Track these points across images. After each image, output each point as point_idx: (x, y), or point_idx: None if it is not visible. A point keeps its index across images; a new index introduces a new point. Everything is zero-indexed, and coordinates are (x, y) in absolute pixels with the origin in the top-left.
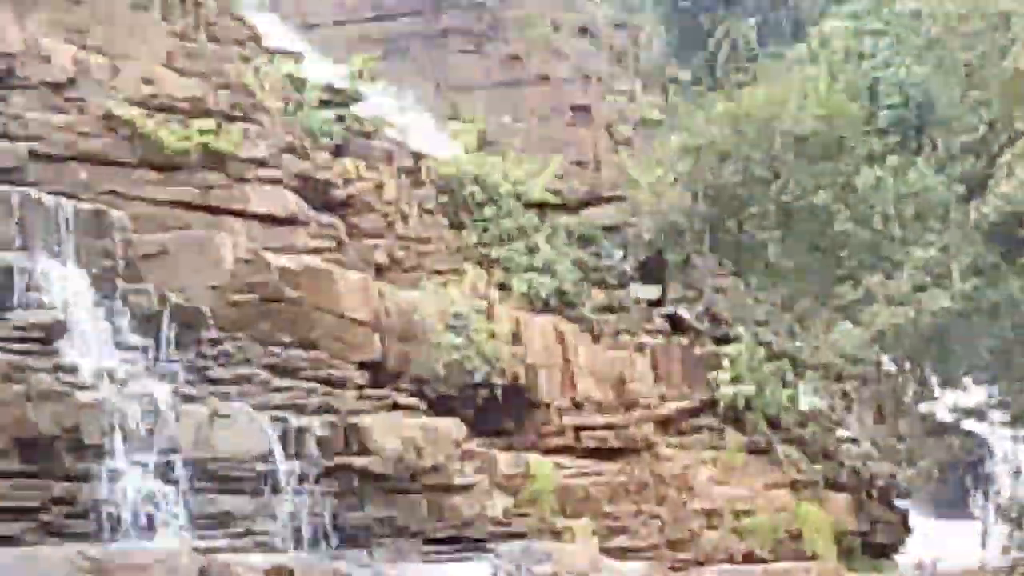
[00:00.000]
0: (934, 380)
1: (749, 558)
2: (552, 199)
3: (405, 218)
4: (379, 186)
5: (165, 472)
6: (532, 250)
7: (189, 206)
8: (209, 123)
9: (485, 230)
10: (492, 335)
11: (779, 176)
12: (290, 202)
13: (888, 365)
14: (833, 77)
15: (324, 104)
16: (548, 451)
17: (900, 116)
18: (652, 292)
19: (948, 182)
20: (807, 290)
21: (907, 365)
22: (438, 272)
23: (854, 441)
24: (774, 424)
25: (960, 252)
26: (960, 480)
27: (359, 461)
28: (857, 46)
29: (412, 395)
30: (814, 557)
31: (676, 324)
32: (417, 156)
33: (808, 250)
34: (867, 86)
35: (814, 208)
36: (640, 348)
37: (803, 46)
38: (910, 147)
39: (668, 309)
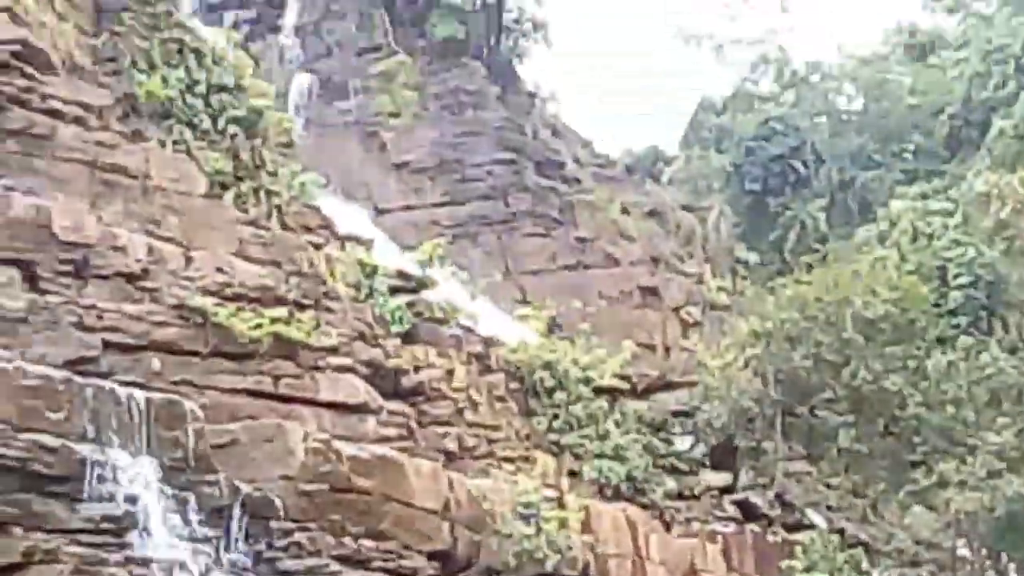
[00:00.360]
0: (1011, 567)
1: None
2: (622, 384)
3: (475, 405)
4: (449, 373)
5: None
6: (602, 436)
7: (261, 395)
8: (281, 311)
9: (555, 416)
10: (562, 524)
11: (850, 360)
12: (360, 390)
13: (964, 551)
14: (902, 258)
15: (395, 291)
16: None
17: (970, 297)
18: (723, 478)
19: (1020, 365)
20: (880, 475)
21: (983, 551)
22: (508, 459)
23: None
24: None
25: None
26: None
27: None
28: (926, 227)
29: None
30: None
31: (748, 511)
32: (487, 342)
33: (880, 435)
34: (937, 267)
35: (886, 392)
36: (712, 536)
37: (872, 227)
38: (981, 328)
39: (740, 496)
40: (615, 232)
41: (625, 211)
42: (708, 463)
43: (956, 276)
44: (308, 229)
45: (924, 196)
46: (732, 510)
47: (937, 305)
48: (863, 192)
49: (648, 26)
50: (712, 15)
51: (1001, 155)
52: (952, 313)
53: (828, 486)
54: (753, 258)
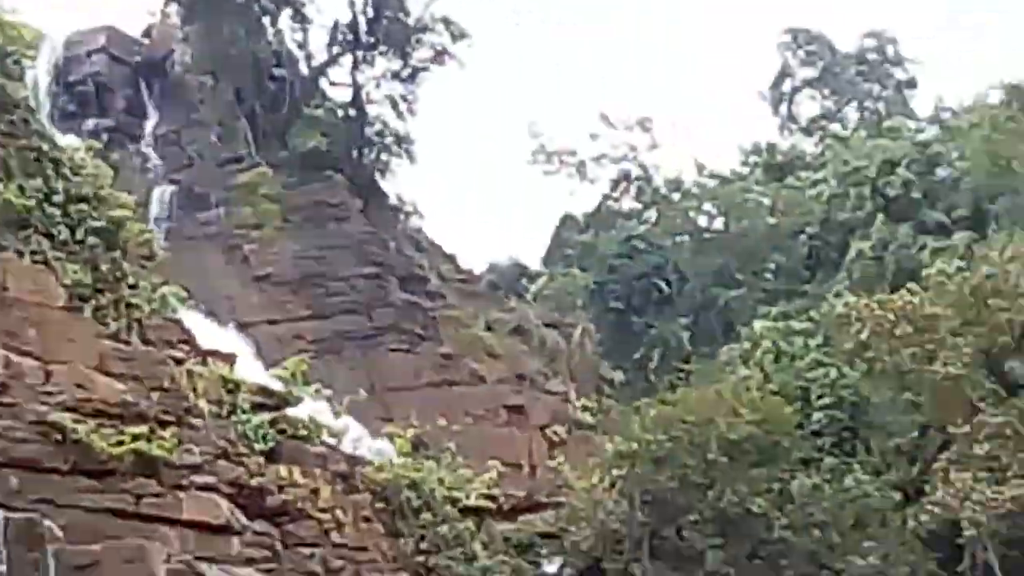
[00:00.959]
0: None
1: None
2: (488, 505)
3: (341, 526)
4: (314, 492)
5: None
6: (469, 558)
7: (122, 514)
8: (142, 428)
9: (422, 537)
10: None
11: (715, 482)
12: (224, 510)
13: None
14: (766, 378)
15: (258, 407)
16: None
17: (833, 418)
18: None
19: (884, 488)
20: None
21: None
22: None
23: None
24: None
25: (899, 561)
26: None
27: None
28: (788, 347)
29: None
30: None
31: None
32: (352, 460)
33: (747, 557)
34: (799, 388)
35: (751, 515)
36: None
37: (735, 347)
38: (845, 450)
39: None
40: (480, 349)
41: (490, 328)
42: None
43: (819, 397)
44: (169, 344)
45: (786, 316)
46: None
47: (801, 426)
48: (726, 311)
49: (511, 143)
50: (574, 133)
51: (860, 276)
52: (816, 434)
53: None
54: (618, 376)
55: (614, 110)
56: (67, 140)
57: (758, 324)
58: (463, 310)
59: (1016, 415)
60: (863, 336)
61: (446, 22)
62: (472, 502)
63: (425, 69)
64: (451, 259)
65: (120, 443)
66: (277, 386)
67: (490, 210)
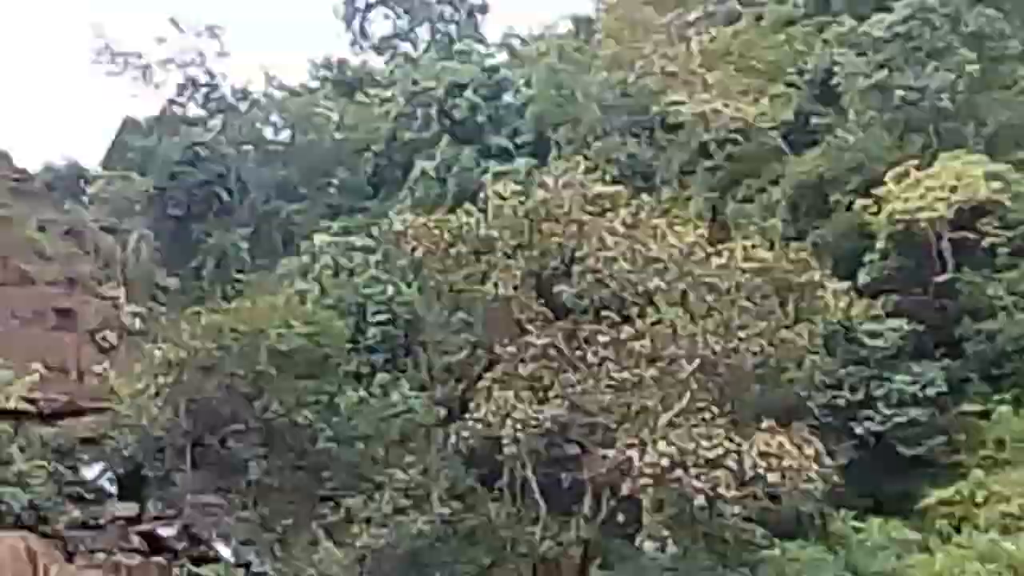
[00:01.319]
0: None
1: None
2: (28, 408)
3: None
4: None
5: None
6: (5, 462)
7: None
8: None
9: None
10: None
11: (263, 393)
12: None
13: None
14: (323, 292)
15: None
16: None
17: (388, 334)
18: (131, 508)
19: (429, 404)
20: (290, 509)
21: None
22: None
23: None
24: None
25: (440, 475)
26: None
27: None
28: (347, 263)
29: None
30: None
31: (154, 543)
32: None
33: (291, 469)
34: (357, 303)
35: (297, 426)
36: (116, 568)
37: (294, 260)
38: (399, 365)
39: (146, 527)
40: (31, 250)
41: (42, 229)
42: (116, 493)
43: (375, 313)
44: None
45: (347, 231)
46: (138, 541)
47: (355, 341)
48: (287, 224)
49: (73, 42)
50: (140, 34)
51: (422, 196)
52: (370, 350)
53: (239, 519)
54: (173, 284)
55: (184, 15)
56: None
57: (319, 238)
58: (15, 210)
59: (562, 337)
60: (418, 254)
61: None
62: (11, 405)
63: None
64: (4, 156)
65: None
66: None
67: (48, 109)
